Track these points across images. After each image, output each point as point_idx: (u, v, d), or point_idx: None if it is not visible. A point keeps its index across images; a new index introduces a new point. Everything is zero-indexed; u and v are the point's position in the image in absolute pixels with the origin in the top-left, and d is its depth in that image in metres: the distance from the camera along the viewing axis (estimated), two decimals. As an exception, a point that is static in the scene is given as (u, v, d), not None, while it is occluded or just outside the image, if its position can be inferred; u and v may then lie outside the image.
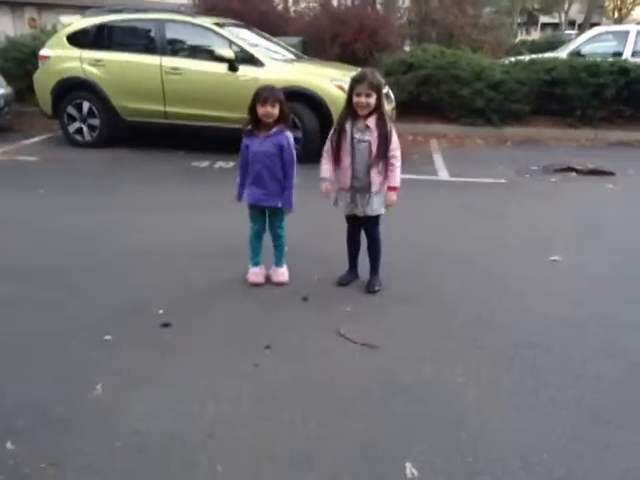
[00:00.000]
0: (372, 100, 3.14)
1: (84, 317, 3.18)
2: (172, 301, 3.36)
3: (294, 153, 3.39)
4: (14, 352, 2.84)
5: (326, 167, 3.35)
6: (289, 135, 3.36)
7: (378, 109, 3.19)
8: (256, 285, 3.57)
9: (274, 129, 3.32)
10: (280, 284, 3.58)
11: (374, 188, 3.28)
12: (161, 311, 3.23)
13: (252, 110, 3.30)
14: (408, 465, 2.12)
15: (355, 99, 3.15)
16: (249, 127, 3.38)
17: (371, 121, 3.20)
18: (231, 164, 6.73)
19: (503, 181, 6.23)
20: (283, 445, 2.22)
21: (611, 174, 6.53)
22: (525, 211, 5.26)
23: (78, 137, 7.52)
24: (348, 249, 3.62)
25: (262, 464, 2.13)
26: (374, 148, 3.20)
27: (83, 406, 2.43)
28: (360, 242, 3.59)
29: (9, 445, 2.19)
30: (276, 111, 3.26)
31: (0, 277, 3.68)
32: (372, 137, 3.20)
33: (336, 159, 3.31)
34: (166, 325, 3.08)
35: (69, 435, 2.26)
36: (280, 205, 3.44)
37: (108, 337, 2.96)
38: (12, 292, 3.47)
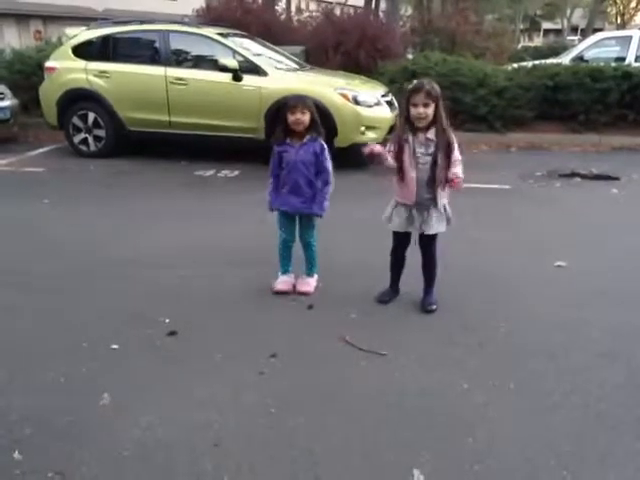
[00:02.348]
0: (430, 111, 3.00)
1: (89, 326, 3.19)
2: (177, 310, 3.37)
3: (329, 158, 3.37)
4: (19, 361, 2.85)
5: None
6: (322, 142, 3.35)
7: (438, 120, 3.04)
8: (281, 293, 3.55)
9: (307, 137, 3.31)
10: (304, 294, 3.56)
11: (439, 203, 3.15)
12: (167, 320, 3.24)
13: (283, 119, 3.28)
14: (416, 472, 2.12)
15: (412, 110, 3.01)
16: (280, 136, 3.36)
17: (431, 133, 3.05)
18: (235, 172, 6.77)
19: (507, 187, 6.23)
20: (288, 453, 2.22)
21: (615, 179, 6.52)
22: (530, 216, 5.25)
23: (83, 148, 7.58)
24: (393, 266, 3.49)
25: (268, 473, 2.13)
26: (439, 162, 3.04)
27: (90, 415, 2.44)
28: (405, 259, 3.48)
29: (16, 455, 2.20)
30: (307, 118, 3.25)
31: (4, 286, 3.70)
32: (434, 150, 3.04)
33: (400, 173, 3.14)
34: (172, 334, 3.09)
35: (76, 445, 2.26)
36: (316, 211, 3.42)
37: (115, 346, 2.96)
38: (17, 300, 3.49)
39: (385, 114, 6.96)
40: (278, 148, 3.39)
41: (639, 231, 4.88)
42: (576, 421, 2.41)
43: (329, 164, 3.37)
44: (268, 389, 2.62)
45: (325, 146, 3.37)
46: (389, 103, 7.19)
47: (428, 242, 3.34)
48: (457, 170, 3.06)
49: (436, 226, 3.23)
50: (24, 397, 2.56)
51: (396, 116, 7.35)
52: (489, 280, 3.84)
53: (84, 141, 7.55)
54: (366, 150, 3.14)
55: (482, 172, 6.88)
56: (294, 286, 3.60)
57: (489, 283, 3.80)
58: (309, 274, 3.64)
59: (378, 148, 3.12)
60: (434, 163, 3.06)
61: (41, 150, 8.11)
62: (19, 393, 2.60)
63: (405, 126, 3.11)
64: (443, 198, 3.18)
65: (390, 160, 3.13)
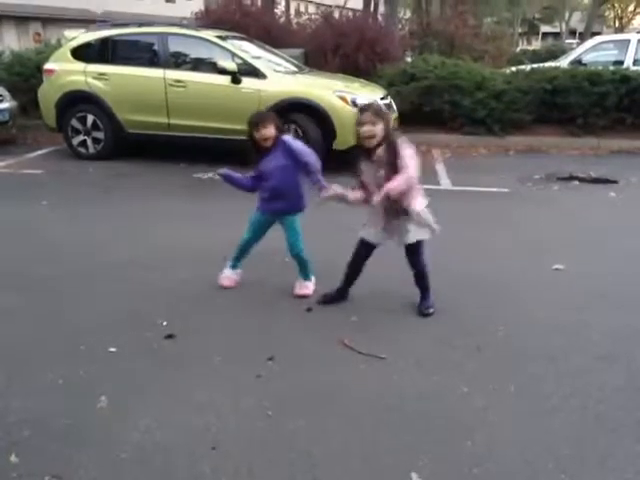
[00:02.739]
0: (377, 128, 2.98)
1: (87, 328, 3.18)
2: (175, 312, 3.36)
3: (300, 144, 3.37)
4: (18, 363, 2.84)
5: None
6: (286, 138, 3.36)
7: (386, 136, 3.03)
8: (225, 288, 3.63)
9: (275, 146, 3.34)
10: (302, 296, 3.57)
11: (410, 211, 3.11)
12: (165, 322, 3.23)
13: (252, 138, 3.35)
14: (414, 476, 2.11)
15: (360, 131, 3.01)
16: (253, 157, 3.42)
17: (381, 150, 3.04)
18: (234, 175, 6.76)
19: (506, 190, 6.24)
20: (286, 457, 2.21)
21: (614, 182, 6.53)
22: (528, 220, 5.26)
23: (82, 150, 7.57)
24: (348, 271, 3.44)
25: (266, 476, 2.12)
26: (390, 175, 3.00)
27: (88, 418, 2.43)
28: (362, 268, 3.43)
29: (13, 458, 2.19)
30: (271, 131, 3.30)
31: (3, 288, 3.69)
32: (385, 166, 3.03)
33: (366, 201, 3.14)
34: (170, 337, 3.08)
35: (74, 447, 2.25)
36: (302, 208, 3.47)
37: (113, 349, 2.96)
38: (15, 303, 3.48)
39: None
40: (259, 165, 3.41)
41: (637, 234, 4.89)
42: (575, 424, 2.41)
43: (299, 145, 3.35)
44: (266, 392, 2.62)
45: (288, 138, 3.36)
46: (388, 106, 7.19)
47: (412, 252, 3.30)
48: (392, 184, 2.92)
49: (413, 234, 3.20)
50: (22, 399, 2.56)
51: (395, 119, 7.37)
52: (488, 283, 3.84)
53: (83, 143, 7.55)
54: (322, 196, 3.19)
55: (481, 175, 6.90)
56: (237, 283, 3.69)
57: (488, 286, 3.80)
58: (306, 279, 3.65)
59: (333, 191, 3.15)
60: (388, 178, 3.00)
61: (40, 152, 8.11)
62: (17, 395, 2.59)
63: (360, 155, 3.11)
64: (413, 205, 3.12)
65: (350, 195, 3.15)
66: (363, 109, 3.06)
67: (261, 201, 3.51)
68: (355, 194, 3.18)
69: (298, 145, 3.35)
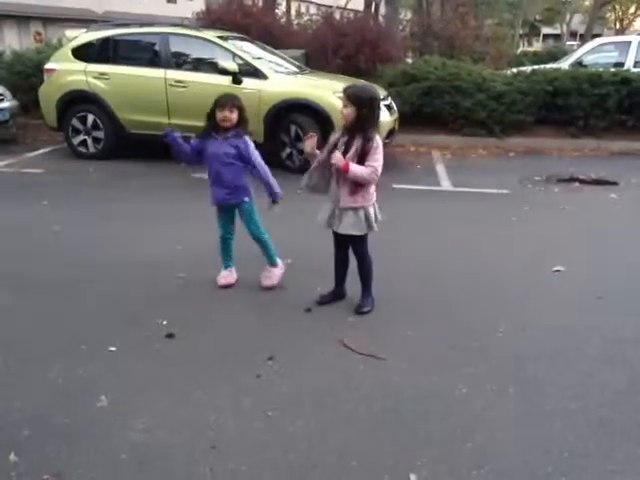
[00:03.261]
0: (348, 111, 3.03)
1: (88, 328, 3.18)
2: (175, 312, 3.37)
3: (255, 153, 3.46)
4: (18, 362, 2.85)
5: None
6: (247, 139, 3.44)
7: (358, 123, 3.05)
8: (226, 287, 3.66)
9: (231, 132, 3.41)
10: (267, 289, 3.63)
11: (341, 204, 3.15)
12: (165, 322, 3.23)
13: (212, 115, 3.41)
14: (413, 477, 2.11)
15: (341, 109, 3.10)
16: (205, 131, 3.47)
17: (352, 135, 3.10)
18: (234, 175, 6.76)
19: (506, 191, 6.24)
20: (285, 457, 2.21)
21: (614, 184, 6.54)
22: (528, 221, 5.26)
23: (82, 149, 7.57)
24: (335, 266, 3.49)
25: (265, 476, 2.12)
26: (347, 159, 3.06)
27: (87, 417, 2.43)
28: (346, 262, 3.46)
29: (12, 457, 2.19)
30: (234, 116, 3.37)
31: (3, 287, 3.69)
32: (346, 148, 3.09)
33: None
34: (170, 336, 3.08)
35: (73, 447, 2.26)
36: (246, 200, 3.53)
37: (113, 348, 2.96)
38: (15, 302, 3.48)
39: (384, 118, 6.93)
40: (202, 140, 3.48)
41: (638, 235, 4.89)
42: (575, 427, 2.41)
43: (254, 157, 3.44)
44: (265, 392, 2.62)
45: (249, 142, 3.44)
46: (388, 107, 7.20)
47: (351, 242, 3.32)
48: (356, 167, 3.04)
49: (349, 227, 3.20)
50: (22, 399, 2.56)
51: (395, 120, 7.37)
52: (488, 285, 3.84)
53: (83, 143, 7.55)
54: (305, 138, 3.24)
55: (481, 176, 6.90)
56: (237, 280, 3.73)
57: (488, 288, 3.80)
58: (271, 263, 3.68)
59: (311, 146, 3.20)
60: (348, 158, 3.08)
61: (40, 151, 8.11)
62: (17, 395, 2.59)
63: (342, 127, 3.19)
64: (351, 201, 3.14)
65: (319, 155, 3.19)
66: (343, 91, 3.11)
67: (210, 190, 3.58)
68: (320, 155, 3.20)
69: (252, 152, 3.43)
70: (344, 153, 3.07)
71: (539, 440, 2.32)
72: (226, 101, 3.38)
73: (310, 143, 3.18)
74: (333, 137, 3.22)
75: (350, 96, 3.04)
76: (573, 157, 8.25)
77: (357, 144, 3.07)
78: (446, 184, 6.62)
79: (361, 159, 3.07)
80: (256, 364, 2.83)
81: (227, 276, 3.73)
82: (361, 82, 3.19)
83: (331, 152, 3.10)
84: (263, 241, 3.64)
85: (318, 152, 3.21)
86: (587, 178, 6.69)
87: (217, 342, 3.06)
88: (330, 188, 3.23)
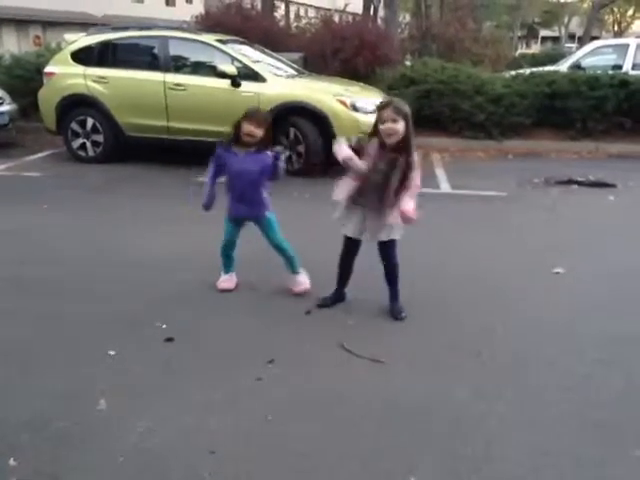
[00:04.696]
0: (399, 127, 2.95)
1: (87, 331, 3.18)
2: (174, 315, 3.37)
3: (282, 167, 3.36)
4: (16, 365, 2.84)
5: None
6: (271, 154, 3.34)
7: (406, 139, 2.99)
8: (226, 291, 3.66)
9: (254, 148, 3.35)
10: (299, 294, 3.59)
11: (388, 220, 3.12)
12: (164, 325, 3.23)
13: (237, 126, 3.34)
14: (412, 480, 2.12)
15: (381, 127, 2.98)
16: (227, 141, 3.43)
17: (395, 151, 3.01)
18: (234, 179, 6.77)
19: (505, 194, 6.25)
20: (285, 461, 2.21)
21: (612, 186, 6.55)
22: (527, 223, 5.27)
23: (82, 153, 7.57)
24: (340, 270, 3.47)
25: (265, 480, 2.12)
26: (392, 180, 3.03)
27: (86, 421, 2.43)
28: (353, 266, 3.46)
29: (12, 461, 2.19)
30: (259, 132, 3.29)
31: (2, 290, 3.69)
32: (391, 168, 3.02)
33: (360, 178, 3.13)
34: (169, 340, 3.08)
35: (72, 451, 2.25)
36: (267, 214, 3.50)
37: (112, 352, 2.96)
38: (14, 305, 3.48)
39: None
40: (223, 153, 3.43)
41: (636, 237, 4.90)
42: (574, 429, 2.41)
43: (282, 170, 3.37)
44: (265, 395, 2.62)
45: (278, 156, 3.34)
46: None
47: (387, 247, 3.31)
48: (407, 205, 2.98)
49: (388, 233, 3.21)
50: (21, 402, 2.56)
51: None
52: (488, 287, 3.85)
53: (82, 146, 7.54)
54: (336, 149, 3.10)
55: (479, 179, 6.91)
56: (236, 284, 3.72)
57: (487, 290, 3.80)
58: (293, 272, 3.66)
59: (347, 152, 3.07)
60: (386, 183, 3.04)
61: (39, 155, 8.11)
62: (16, 398, 2.59)
63: (373, 139, 3.09)
64: (394, 218, 3.10)
65: (359, 162, 3.07)
66: (383, 106, 3.03)
67: (228, 203, 3.52)
68: (362, 164, 3.08)
69: (281, 167, 3.36)
70: (389, 172, 3.01)
71: (538, 443, 2.32)
72: (255, 115, 3.31)
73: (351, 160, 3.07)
74: (369, 150, 3.09)
75: (400, 110, 2.95)
76: (571, 159, 8.26)
77: (402, 161, 3.00)
78: (445, 186, 6.63)
79: (405, 175, 3.02)
80: (256, 367, 2.83)
81: (227, 280, 3.72)
82: (392, 97, 3.12)
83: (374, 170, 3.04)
84: (285, 248, 3.60)
85: (361, 163, 3.07)
86: (585, 180, 6.70)
87: (217, 345, 3.06)
88: (357, 196, 3.15)
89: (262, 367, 2.84)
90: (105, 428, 2.39)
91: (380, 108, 3.04)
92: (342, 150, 3.09)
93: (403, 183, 3.04)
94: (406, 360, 2.92)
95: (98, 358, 2.91)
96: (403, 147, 3.01)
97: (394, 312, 3.39)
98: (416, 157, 3.06)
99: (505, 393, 2.66)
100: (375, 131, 3.05)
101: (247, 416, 2.48)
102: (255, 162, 3.35)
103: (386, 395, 2.64)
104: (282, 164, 3.36)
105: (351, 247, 3.37)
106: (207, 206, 3.55)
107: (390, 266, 3.38)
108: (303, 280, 3.65)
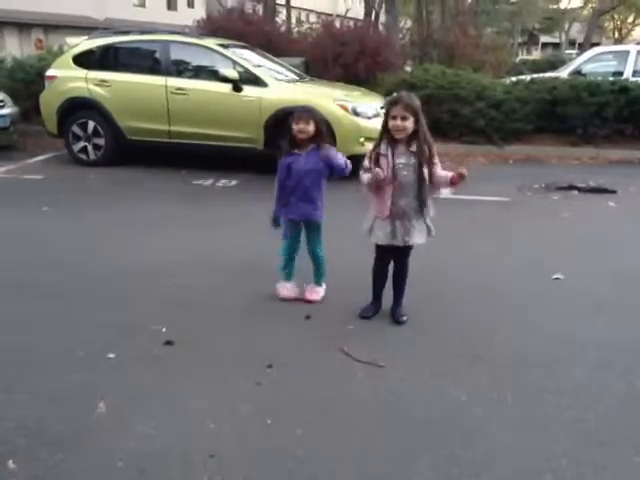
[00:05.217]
0: (408, 123, 2.98)
1: (86, 334, 3.18)
2: (174, 319, 3.36)
3: (340, 158, 3.35)
4: (16, 369, 2.84)
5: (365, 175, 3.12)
6: (329, 148, 3.36)
7: (420, 133, 3.03)
8: (287, 300, 3.60)
9: (311, 146, 3.35)
10: (311, 302, 3.59)
11: (425, 213, 3.18)
12: (164, 329, 3.23)
13: (289, 131, 3.35)
14: (411, 485, 2.11)
15: (391, 122, 3.01)
16: (286, 149, 3.41)
17: (413, 146, 3.06)
18: (234, 182, 6.78)
19: (505, 199, 6.25)
20: (284, 465, 2.21)
21: (613, 192, 6.55)
22: (528, 229, 5.27)
23: (83, 156, 7.59)
24: (376, 280, 3.45)
25: (264, 484, 2.12)
26: (424, 174, 3.07)
27: (85, 425, 2.42)
28: (388, 273, 3.44)
29: (10, 464, 2.18)
30: (310, 128, 3.30)
31: (2, 294, 3.69)
32: (416, 162, 3.06)
33: (376, 186, 3.11)
34: (169, 343, 3.08)
35: (71, 455, 2.25)
36: (323, 219, 3.49)
37: (111, 355, 2.95)
38: (14, 309, 3.48)
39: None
40: (287, 159, 3.40)
41: (636, 244, 4.90)
42: (573, 434, 2.41)
43: (342, 161, 3.35)
44: (265, 400, 2.62)
45: (332, 149, 3.37)
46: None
47: (405, 254, 3.33)
48: (446, 172, 3.10)
49: (417, 237, 3.22)
50: (19, 406, 2.55)
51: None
52: (487, 292, 3.85)
53: (83, 149, 7.56)
54: (366, 180, 3.09)
55: (480, 184, 6.89)
56: (301, 294, 3.63)
57: (487, 295, 3.80)
58: (318, 283, 3.65)
59: (378, 172, 3.04)
60: (419, 176, 3.07)
61: (40, 158, 8.12)
62: (15, 402, 2.58)
63: (383, 139, 3.10)
64: (430, 210, 3.20)
65: (380, 172, 3.04)
66: (394, 101, 3.03)
67: (286, 207, 3.46)
68: (380, 172, 3.06)
69: (340, 160, 3.34)
70: (420, 166, 3.05)
71: (538, 447, 2.32)
72: (301, 113, 3.32)
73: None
74: (381, 151, 3.09)
75: (409, 107, 2.98)
76: (572, 165, 8.27)
77: (424, 151, 3.05)
78: (445, 191, 6.59)
79: (430, 163, 3.09)
80: (256, 371, 2.83)
81: (290, 289, 3.64)
82: (402, 92, 3.15)
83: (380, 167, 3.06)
84: (322, 261, 3.60)
85: (378, 170, 3.05)
86: (586, 186, 6.71)
87: (216, 349, 3.06)
88: (381, 201, 3.16)
89: (261, 371, 2.83)
90: (104, 432, 2.38)
91: (390, 104, 3.05)
92: (362, 177, 3.11)
93: (431, 171, 3.10)
94: (406, 364, 2.92)
95: (97, 361, 2.91)
96: (417, 138, 3.04)
97: (396, 315, 3.39)
98: (433, 146, 3.10)
99: (504, 397, 2.66)
100: (386, 126, 3.07)
101: (246, 420, 2.47)
102: (316, 160, 3.35)
103: (385, 399, 2.63)
104: (339, 158, 3.34)
105: (385, 253, 3.35)
106: (276, 220, 3.52)
107: (404, 269, 3.38)
108: (321, 292, 3.65)
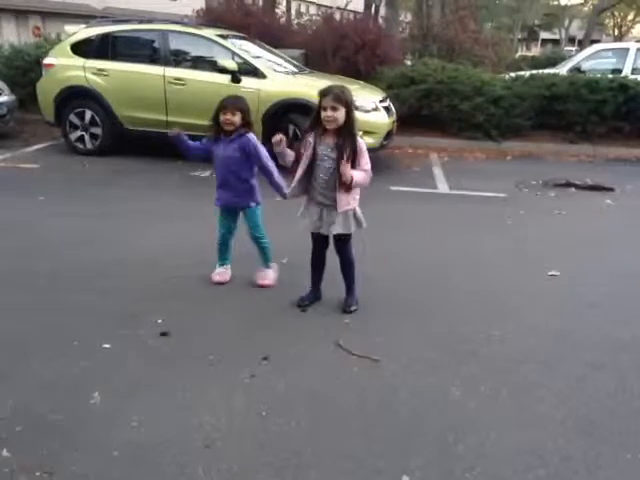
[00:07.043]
0: (338, 114, 2.99)
1: (82, 324, 3.17)
2: (171, 310, 3.36)
3: (263, 153, 3.45)
4: (11, 358, 2.84)
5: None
6: (251, 136, 3.44)
7: (347, 125, 3.03)
8: (220, 284, 3.70)
9: (235, 134, 3.42)
10: (262, 287, 3.66)
11: (340, 207, 3.11)
12: (160, 320, 3.23)
13: (215, 118, 3.43)
14: (406, 479, 2.12)
15: (322, 113, 3.02)
16: (212, 134, 3.51)
17: (340, 137, 3.05)
18: (232, 174, 6.76)
19: (503, 195, 6.26)
20: (279, 457, 2.22)
21: (610, 190, 6.56)
22: (524, 225, 5.27)
23: (80, 145, 7.55)
24: (312, 269, 3.48)
25: (258, 476, 2.12)
26: (338, 165, 3.03)
27: (80, 414, 2.43)
28: (325, 263, 3.46)
29: (5, 453, 2.19)
30: (236, 119, 3.39)
31: (-1, 284, 3.69)
32: (337, 155, 3.04)
33: (293, 168, 3.19)
34: (164, 334, 3.08)
35: (66, 444, 2.25)
36: (252, 205, 3.57)
37: (107, 345, 2.95)
38: (9, 298, 3.47)
39: (383, 119, 6.97)
40: (212, 146, 3.52)
41: (632, 241, 4.92)
42: (566, 431, 2.42)
43: (261, 154, 3.44)
44: (260, 392, 2.62)
45: (254, 141, 3.43)
46: (387, 109, 7.20)
47: (339, 243, 3.33)
48: (352, 173, 3.01)
49: (340, 227, 3.20)
50: (15, 395, 2.55)
51: (393, 122, 7.38)
52: (483, 288, 3.85)
53: (80, 139, 7.52)
54: (274, 140, 3.11)
55: (478, 180, 6.92)
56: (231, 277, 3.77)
57: (483, 291, 3.81)
58: (265, 265, 3.73)
59: (281, 140, 3.09)
60: (336, 168, 3.05)
61: (37, 147, 8.08)
62: (10, 391, 2.58)
63: (313, 125, 3.13)
64: (346, 204, 3.13)
65: (289, 154, 3.14)
66: (324, 94, 3.04)
67: (217, 192, 3.60)
68: (291, 155, 3.17)
69: (260, 152, 3.43)
70: (339, 158, 3.03)
71: (531, 443, 2.33)
72: (228, 104, 3.40)
73: (279, 146, 3.12)
74: (309, 138, 3.13)
75: (340, 98, 3.00)
76: (570, 162, 8.28)
77: (348, 147, 3.03)
78: (443, 187, 6.64)
79: (352, 162, 3.05)
80: (251, 364, 2.83)
81: (222, 273, 3.76)
82: (336, 83, 3.19)
83: (307, 156, 3.10)
84: (264, 246, 3.68)
85: (289, 151, 3.16)
86: (583, 184, 6.71)
87: (212, 341, 3.06)
88: (312, 190, 3.20)
89: (257, 363, 2.84)
90: (99, 422, 2.39)
91: (322, 95, 3.06)
92: (275, 137, 3.11)
93: (352, 167, 3.05)
94: (402, 359, 2.93)
95: (93, 351, 2.91)
96: (346, 132, 3.05)
97: (344, 304, 3.42)
98: (362, 142, 3.09)
99: (498, 393, 2.67)
100: (317, 117, 3.08)
101: (241, 412, 2.48)
102: (236, 148, 3.43)
103: (381, 393, 2.64)
104: (258, 146, 3.42)
105: (316, 243, 3.39)
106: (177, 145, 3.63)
107: (344, 261, 3.40)
108: (270, 274, 3.72)
